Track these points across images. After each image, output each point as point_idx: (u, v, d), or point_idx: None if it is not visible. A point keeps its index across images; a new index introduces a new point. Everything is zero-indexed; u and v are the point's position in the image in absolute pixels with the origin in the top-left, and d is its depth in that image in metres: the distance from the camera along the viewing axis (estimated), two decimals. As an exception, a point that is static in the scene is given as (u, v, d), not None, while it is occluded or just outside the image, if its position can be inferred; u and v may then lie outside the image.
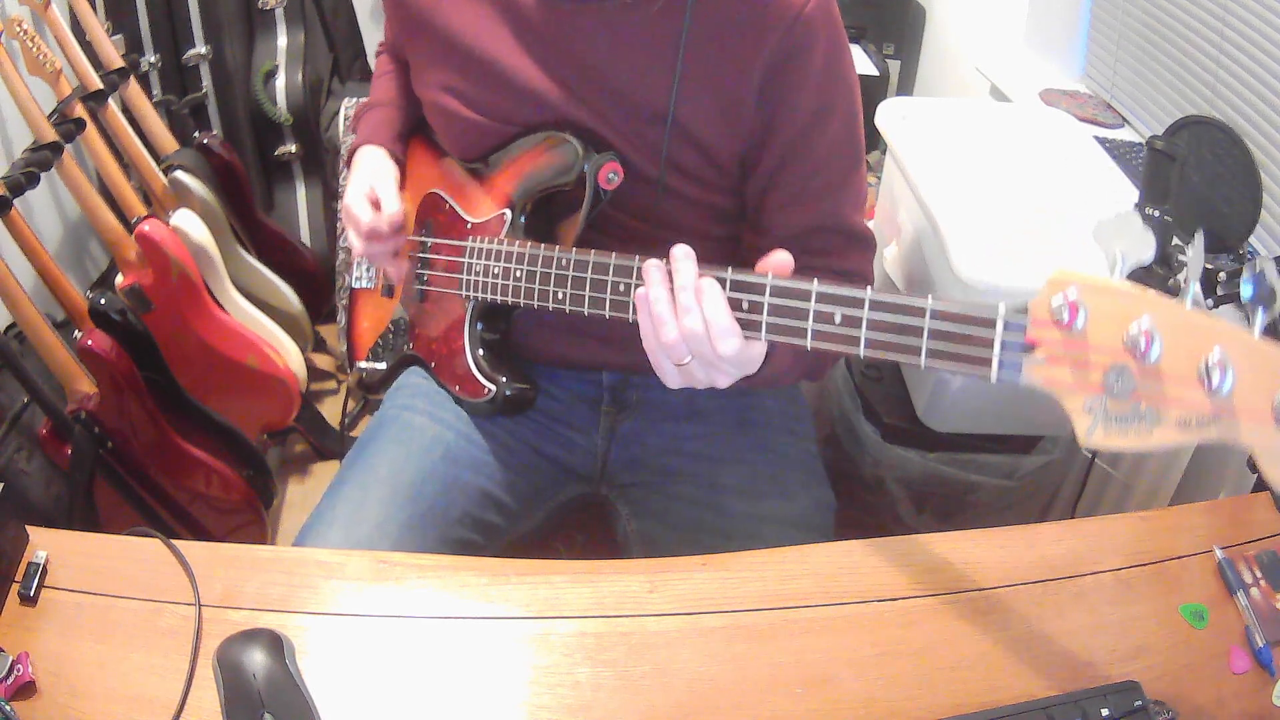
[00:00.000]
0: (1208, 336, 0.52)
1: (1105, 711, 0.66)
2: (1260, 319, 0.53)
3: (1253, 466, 0.92)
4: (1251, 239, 1.34)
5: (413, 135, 1.12)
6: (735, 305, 0.70)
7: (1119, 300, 0.54)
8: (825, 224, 0.92)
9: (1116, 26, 1.82)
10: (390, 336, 1.11)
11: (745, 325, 0.70)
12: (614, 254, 0.79)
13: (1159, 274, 1.06)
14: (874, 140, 2.40)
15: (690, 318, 0.70)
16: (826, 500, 1.02)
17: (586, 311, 0.82)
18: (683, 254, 0.72)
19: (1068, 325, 0.56)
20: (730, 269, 0.71)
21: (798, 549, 0.80)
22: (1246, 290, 0.54)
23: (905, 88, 2.67)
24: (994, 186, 1.30)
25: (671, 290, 0.72)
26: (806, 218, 0.92)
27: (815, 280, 0.67)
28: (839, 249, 0.93)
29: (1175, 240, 1.11)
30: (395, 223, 1.01)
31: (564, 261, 0.83)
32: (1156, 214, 1.12)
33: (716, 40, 0.85)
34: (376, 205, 1.01)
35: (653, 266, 0.73)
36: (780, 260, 0.71)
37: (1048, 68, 2.02)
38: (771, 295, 0.69)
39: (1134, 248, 0.56)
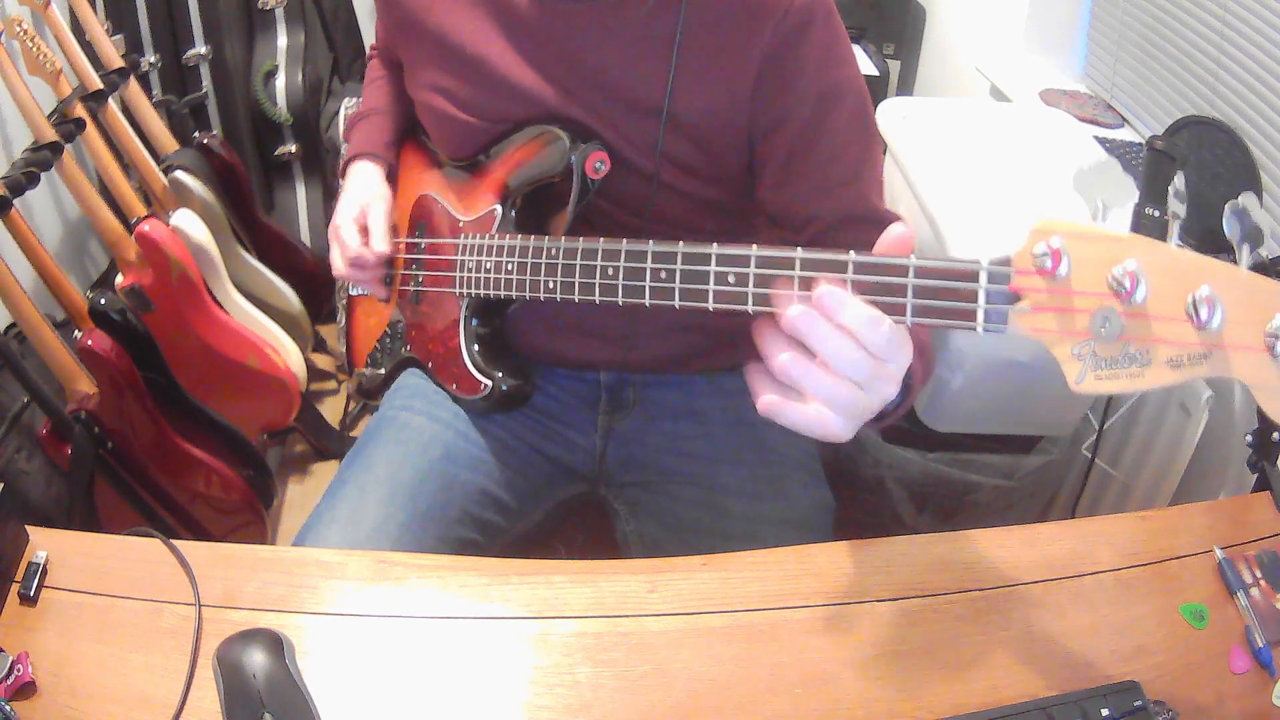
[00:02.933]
0: (1194, 274, 0.51)
1: (1105, 711, 0.66)
2: (1247, 255, 0.52)
3: (1253, 466, 0.92)
4: (1251, 239, 1.34)
5: (405, 139, 1.12)
6: (721, 279, 0.69)
7: (1102, 245, 0.54)
8: (855, 213, 0.89)
9: (1116, 26, 1.82)
10: (387, 340, 1.11)
11: (735, 299, 0.69)
12: (601, 239, 0.79)
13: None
14: (874, 140, 2.37)
15: (837, 349, 0.60)
16: (825, 501, 1.02)
17: (577, 298, 0.82)
18: (832, 297, 0.60)
19: (1051, 272, 0.55)
20: (716, 245, 0.69)
21: (797, 549, 0.80)
22: (1230, 228, 0.53)
23: (905, 88, 2.67)
24: (994, 186, 1.30)
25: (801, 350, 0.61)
26: (836, 208, 0.89)
27: (798, 248, 0.65)
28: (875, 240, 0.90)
29: (1175, 241, 1.11)
30: (380, 254, 1.02)
31: (553, 250, 0.84)
32: (1156, 214, 1.12)
33: (711, 32, 0.85)
34: (364, 231, 1.02)
35: (769, 338, 0.62)
36: (898, 235, 0.62)
37: (1048, 68, 2.02)
38: (757, 266, 0.68)
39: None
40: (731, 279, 0.69)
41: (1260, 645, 0.73)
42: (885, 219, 0.91)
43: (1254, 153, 1.36)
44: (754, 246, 0.68)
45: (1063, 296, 0.55)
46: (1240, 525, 0.84)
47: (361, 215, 1.03)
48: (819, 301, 0.60)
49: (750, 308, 0.69)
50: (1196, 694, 0.70)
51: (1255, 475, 0.92)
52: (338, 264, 1.04)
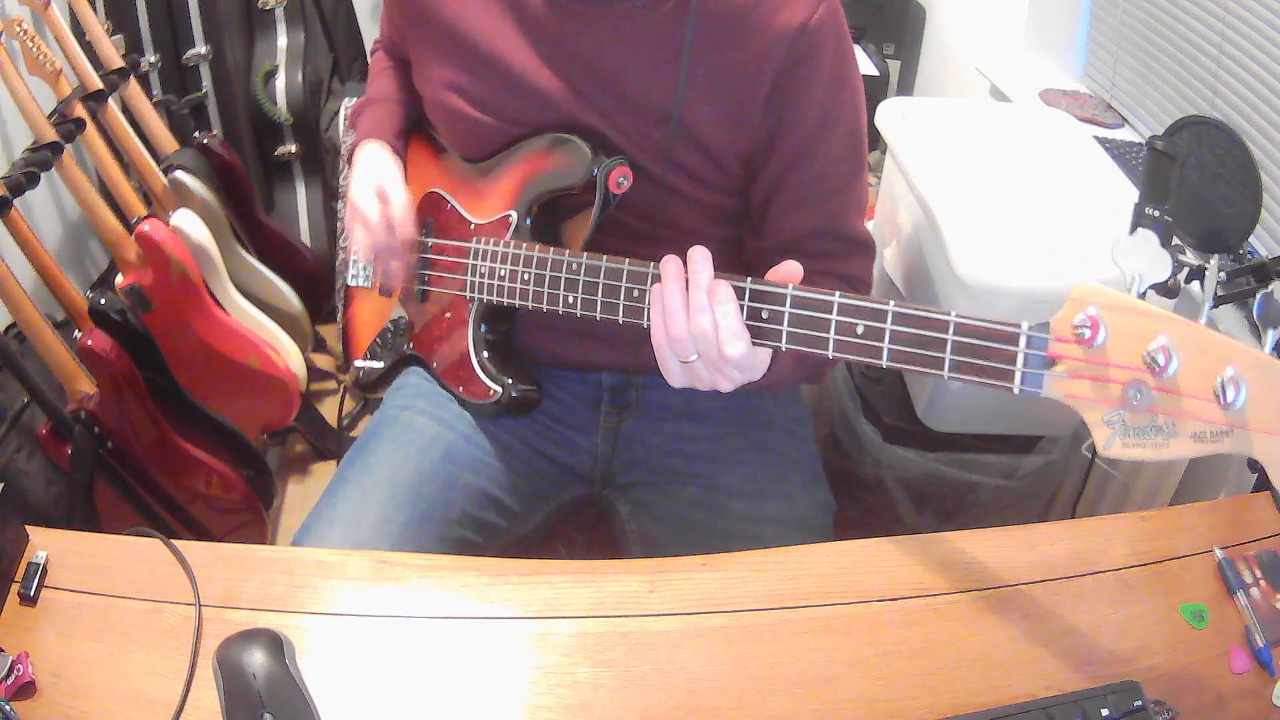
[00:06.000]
0: (1222, 354, 0.54)
1: (1105, 711, 0.66)
2: (1271, 338, 0.56)
3: (1253, 466, 0.92)
4: (1251, 239, 1.34)
5: (411, 132, 1.11)
6: (754, 314, 0.71)
7: (1138, 319, 0.57)
8: (827, 228, 0.92)
9: (1116, 26, 1.82)
10: (389, 335, 1.11)
11: (765, 334, 0.71)
12: (627, 260, 0.79)
13: (1159, 274, 1.06)
14: (874, 140, 2.40)
15: (702, 317, 0.71)
16: (826, 501, 1.02)
17: (599, 316, 0.82)
18: (701, 255, 0.73)
19: (1088, 342, 0.58)
20: (750, 279, 0.72)
21: (798, 549, 0.80)
22: (1258, 311, 0.56)
23: (905, 88, 2.67)
24: (994, 186, 1.30)
25: (686, 288, 0.73)
26: (809, 222, 0.92)
27: (837, 292, 0.68)
28: (840, 254, 0.93)
29: (1175, 240, 1.11)
30: (405, 219, 1.00)
31: (575, 266, 0.83)
32: (1157, 214, 1.12)
33: (725, 45, 0.86)
34: (385, 201, 1.00)
35: (670, 262, 0.74)
36: (790, 270, 0.72)
37: (1048, 68, 2.02)
38: (792, 306, 0.70)
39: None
40: (765, 315, 0.70)
41: (1260, 645, 0.73)
42: (856, 237, 0.94)
43: (1254, 153, 1.36)
44: (790, 285, 0.69)
45: (1098, 365, 0.58)
46: (1240, 525, 0.84)
47: (379, 188, 1.00)
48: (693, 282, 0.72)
49: (784, 345, 0.70)
50: (1196, 694, 0.70)
51: (1255, 475, 0.92)
52: (360, 238, 1.01)
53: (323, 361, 2.12)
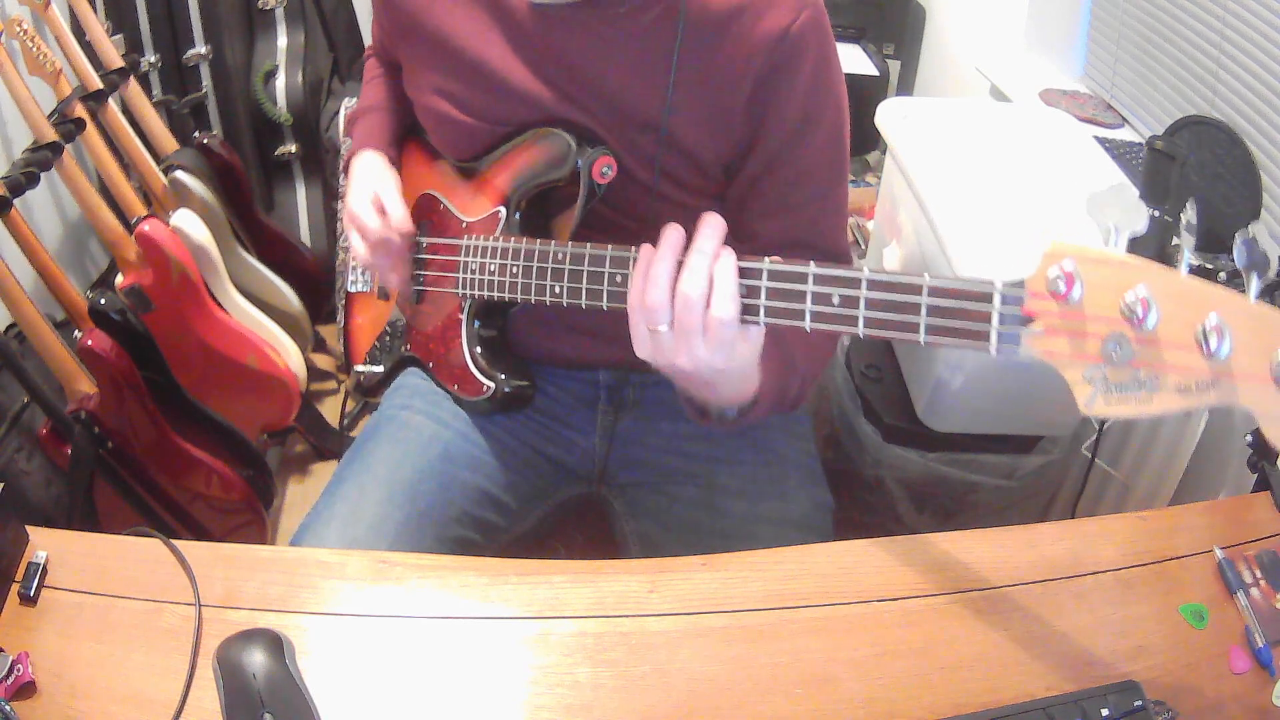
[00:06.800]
0: (1204, 302, 0.52)
1: (1105, 711, 0.66)
2: (1255, 284, 0.53)
3: (1253, 466, 0.92)
4: (1251, 239, 1.34)
5: (405, 137, 1.12)
6: None
7: (1115, 270, 0.55)
8: (803, 238, 0.92)
9: (1116, 26, 1.82)
10: (387, 339, 1.11)
11: (744, 310, 0.70)
12: (610, 246, 0.79)
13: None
14: (874, 140, 2.39)
15: (695, 278, 0.69)
16: (824, 501, 1.02)
17: (584, 304, 0.82)
18: (715, 223, 0.71)
19: (1064, 296, 0.56)
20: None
21: (798, 549, 0.80)
22: (1240, 257, 0.54)
23: (905, 88, 2.67)
24: (994, 186, 1.30)
25: (678, 264, 0.71)
26: (784, 230, 0.92)
27: (811, 263, 0.67)
28: None
29: (1175, 240, 1.11)
30: (403, 230, 1.01)
31: (560, 255, 0.84)
32: (1156, 214, 1.12)
33: (707, 53, 0.86)
34: (382, 212, 1.01)
35: (673, 230, 0.72)
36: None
37: (1048, 68, 2.02)
38: (769, 279, 0.69)
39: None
40: (743, 290, 0.70)
41: (1260, 645, 0.73)
42: (833, 250, 0.94)
43: (1254, 153, 1.36)
44: (766, 259, 0.68)
45: (1075, 320, 0.56)
46: (1240, 525, 0.84)
47: (376, 198, 1.01)
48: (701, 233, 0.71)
49: (762, 320, 0.70)
50: (1196, 694, 0.70)
51: (1255, 475, 0.92)
52: (360, 248, 1.01)
53: (323, 361, 2.12)
